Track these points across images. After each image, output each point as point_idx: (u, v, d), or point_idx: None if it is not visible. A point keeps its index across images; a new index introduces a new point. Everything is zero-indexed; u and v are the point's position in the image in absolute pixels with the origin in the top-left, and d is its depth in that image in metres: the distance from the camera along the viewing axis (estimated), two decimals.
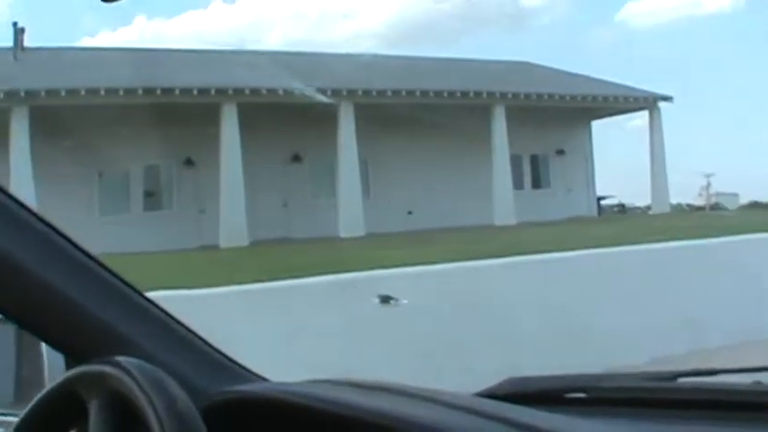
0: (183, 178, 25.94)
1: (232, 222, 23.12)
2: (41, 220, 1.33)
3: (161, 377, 1.17)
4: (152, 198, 25.93)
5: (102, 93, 22.88)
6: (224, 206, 23.48)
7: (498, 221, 26.01)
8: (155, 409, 1.11)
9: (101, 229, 20.08)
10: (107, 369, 1.21)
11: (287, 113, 24.89)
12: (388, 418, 1.16)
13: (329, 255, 15.68)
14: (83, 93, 22.70)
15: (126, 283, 1.43)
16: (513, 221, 25.80)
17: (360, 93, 25.27)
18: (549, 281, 10.70)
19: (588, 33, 60.86)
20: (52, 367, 1.59)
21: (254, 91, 24.17)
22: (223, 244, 22.62)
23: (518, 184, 28.43)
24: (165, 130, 24.16)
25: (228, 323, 7.77)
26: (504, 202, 26.66)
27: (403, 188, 27.11)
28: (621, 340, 10.13)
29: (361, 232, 23.93)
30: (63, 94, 22.50)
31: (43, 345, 1.59)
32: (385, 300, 9.09)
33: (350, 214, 24.61)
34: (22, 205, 1.31)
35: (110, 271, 1.41)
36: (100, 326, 1.37)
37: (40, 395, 1.32)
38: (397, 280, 9.70)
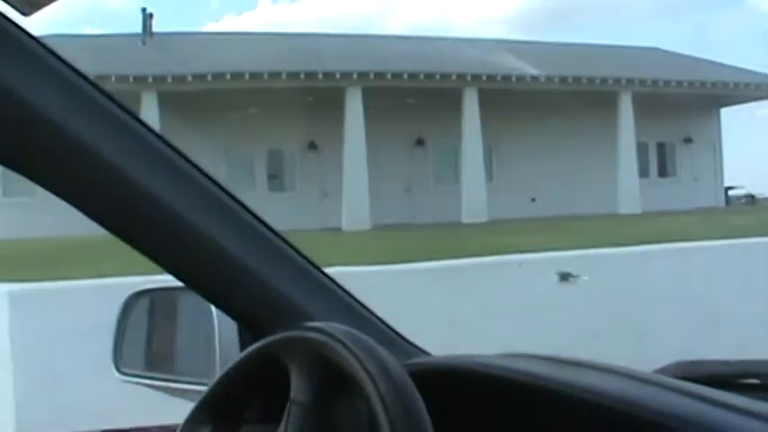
0: (307, 162, 26.19)
1: (355, 206, 23.25)
2: (231, 195, 1.38)
3: (370, 342, 1.16)
4: (276, 180, 26.30)
5: (228, 77, 23.24)
6: (347, 190, 23.66)
7: (623, 210, 25.63)
8: (369, 374, 1.09)
9: None
10: (310, 334, 1.21)
11: (411, 97, 24.91)
12: (584, 390, 1.14)
13: (458, 240, 15.63)
14: (209, 78, 23.09)
15: (305, 257, 1.47)
16: (638, 210, 25.40)
17: (484, 78, 25.10)
18: (698, 270, 10.55)
19: (718, 17, 59.65)
20: (223, 338, 1.59)
21: (379, 75, 24.20)
22: (345, 227, 22.77)
23: (643, 173, 27.93)
24: (290, 114, 24.45)
25: (405, 301, 7.79)
26: (630, 191, 26.22)
27: (526, 174, 26.91)
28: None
29: (483, 218, 23.83)
30: (189, 79, 22.96)
31: (215, 315, 1.59)
32: (564, 277, 8.98)
33: (473, 200, 24.53)
34: (215, 182, 1.36)
35: (290, 245, 1.45)
36: (278, 298, 1.41)
37: (238, 358, 1.34)
38: (562, 263, 9.61)
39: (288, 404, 1.22)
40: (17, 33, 1.15)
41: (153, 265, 1.34)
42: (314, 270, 1.48)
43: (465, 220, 23.96)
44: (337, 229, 22.43)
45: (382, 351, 1.14)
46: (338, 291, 1.51)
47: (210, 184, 1.36)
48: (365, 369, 1.10)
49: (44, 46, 1.18)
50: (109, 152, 1.23)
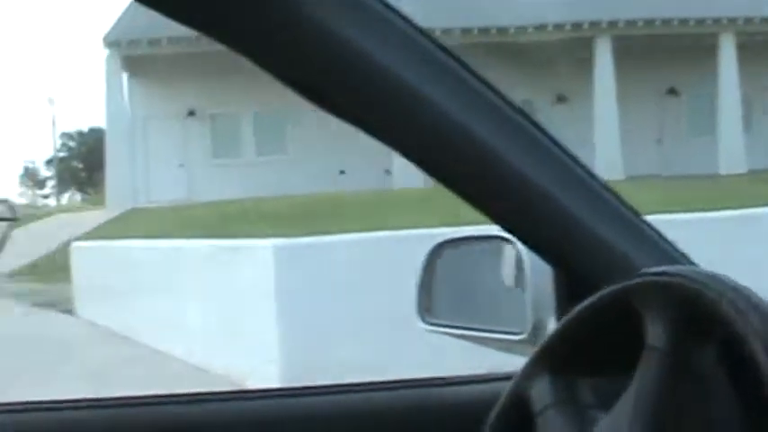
0: (557, 114, 25.99)
1: (607, 157, 22.91)
2: (550, 137, 1.35)
3: (748, 291, 1.05)
4: None
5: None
6: (599, 141, 23.43)
7: None
8: (741, 314, 1.01)
9: None
10: (675, 279, 1.12)
11: (662, 45, 24.28)
12: None
13: (729, 190, 15.34)
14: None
15: (626, 204, 1.42)
16: None
17: (742, 21, 24.17)
18: None
19: None
20: (535, 285, 1.54)
21: (630, 23, 23.75)
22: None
23: None
24: (538, 67, 24.31)
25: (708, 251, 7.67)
26: None
27: None
28: None
29: (742, 169, 23.09)
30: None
31: (526, 262, 1.55)
32: None
33: (731, 150, 23.78)
34: (535, 125, 1.34)
35: (610, 191, 1.40)
36: (601, 244, 1.37)
37: (581, 306, 1.27)
38: None
39: (643, 352, 1.15)
40: None
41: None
42: (636, 218, 1.43)
43: (722, 171, 23.29)
44: None
45: (751, 291, 1.05)
46: (661, 241, 1.44)
47: (531, 127, 1.34)
48: (750, 324, 1.01)
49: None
50: (434, 95, 1.26)
